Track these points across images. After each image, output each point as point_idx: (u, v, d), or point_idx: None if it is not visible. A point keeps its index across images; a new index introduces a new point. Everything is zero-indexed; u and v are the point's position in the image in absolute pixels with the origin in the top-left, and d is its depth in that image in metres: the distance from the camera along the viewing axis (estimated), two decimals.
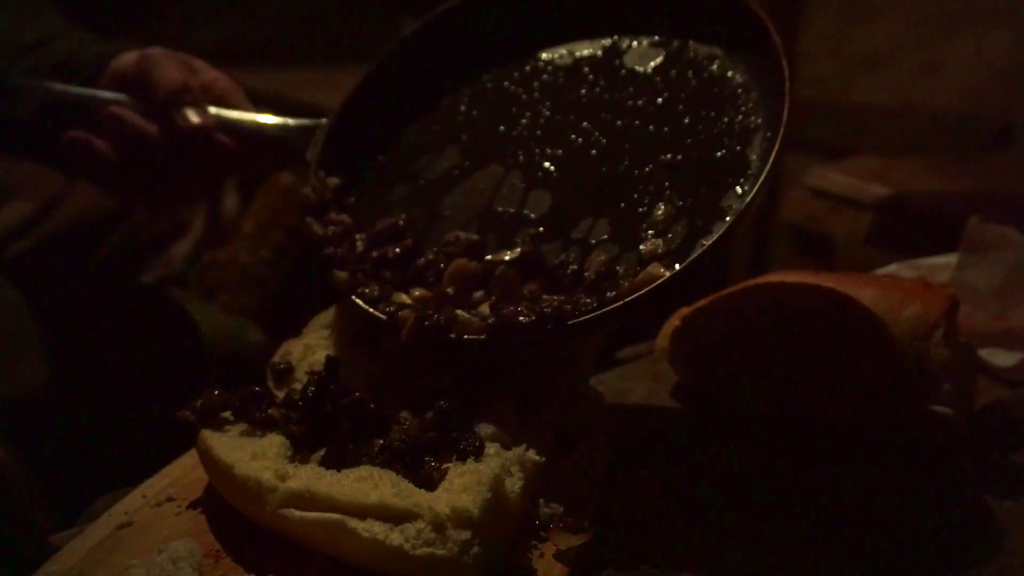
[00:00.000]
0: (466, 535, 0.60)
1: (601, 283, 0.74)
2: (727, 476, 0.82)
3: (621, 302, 0.71)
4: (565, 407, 0.78)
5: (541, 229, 0.82)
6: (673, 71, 0.85)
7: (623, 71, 0.87)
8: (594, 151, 0.84)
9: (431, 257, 0.82)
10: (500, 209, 0.84)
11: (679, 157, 0.80)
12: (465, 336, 0.74)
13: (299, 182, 1.57)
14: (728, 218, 0.73)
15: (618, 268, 0.76)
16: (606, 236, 0.79)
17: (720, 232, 0.72)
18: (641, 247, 0.76)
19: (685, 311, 0.96)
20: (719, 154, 0.78)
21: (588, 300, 0.73)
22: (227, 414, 0.73)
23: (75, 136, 0.93)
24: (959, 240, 1.10)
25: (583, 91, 0.88)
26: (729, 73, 0.82)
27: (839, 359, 0.86)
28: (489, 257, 0.80)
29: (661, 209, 0.77)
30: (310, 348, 0.85)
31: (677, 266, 0.72)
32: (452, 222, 0.85)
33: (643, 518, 0.74)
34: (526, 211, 0.83)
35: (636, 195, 0.80)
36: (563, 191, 0.83)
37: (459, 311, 0.75)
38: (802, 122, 2.44)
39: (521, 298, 0.76)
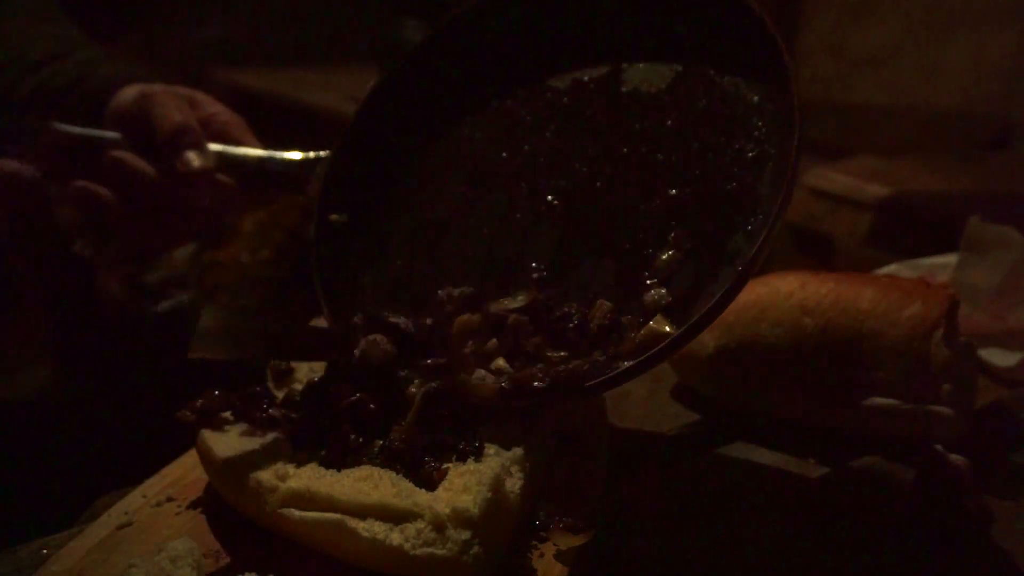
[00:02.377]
0: (466, 535, 0.60)
1: (606, 336, 0.72)
2: (727, 477, 0.82)
3: (632, 363, 0.69)
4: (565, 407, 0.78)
5: (544, 273, 0.79)
6: (683, 89, 0.80)
7: (630, 91, 0.83)
8: (599, 182, 0.81)
9: (429, 322, 0.79)
10: (503, 249, 0.82)
11: (687, 192, 0.76)
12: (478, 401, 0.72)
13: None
14: (739, 266, 0.69)
15: (623, 319, 0.73)
16: (610, 281, 0.76)
17: (727, 285, 0.68)
18: (645, 297, 0.73)
19: None
20: (729, 187, 0.74)
21: (600, 360, 0.71)
22: (227, 414, 0.73)
23: (80, 187, 0.92)
24: (959, 240, 1.10)
25: (588, 113, 0.84)
26: (742, 92, 0.77)
27: (837, 358, 0.86)
28: (494, 307, 0.78)
29: (666, 254, 0.74)
30: None
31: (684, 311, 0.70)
32: (455, 263, 0.83)
33: (643, 518, 0.74)
34: (530, 251, 0.81)
35: (641, 234, 0.77)
36: (567, 228, 0.80)
37: (475, 372, 0.73)
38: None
39: (529, 356, 0.74)
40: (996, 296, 1.06)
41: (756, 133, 0.75)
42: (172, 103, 0.95)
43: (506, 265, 0.82)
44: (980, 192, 1.86)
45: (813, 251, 2.08)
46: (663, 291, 0.73)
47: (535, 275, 0.80)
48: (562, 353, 0.74)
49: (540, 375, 0.71)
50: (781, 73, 0.72)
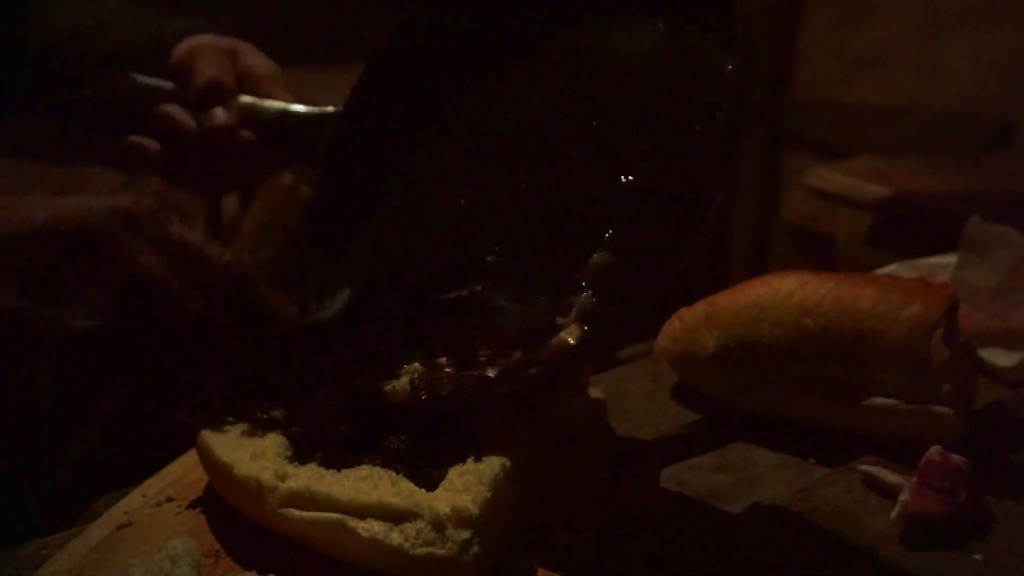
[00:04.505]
0: (466, 535, 0.60)
1: (540, 336, 0.70)
2: (727, 476, 0.82)
3: (536, 371, 0.68)
4: (565, 407, 0.78)
5: (499, 258, 0.77)
6: (658, 54, 0.73)
7: (605, 55, 0.77)
8: (563, 161, 0.76)
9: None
10: (470, 227, 0.80)
11: (639, 182, 0.71)
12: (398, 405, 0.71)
13: (299, 181, 1.57)
14: (668, 274, 0.64)
15: (559, 320, 0.70)
16: (552, 275, 0.73)
17: (650, 297, 0.65)
18: (574, 299, 0.70)
19: (685, 311, 0.96)
20: (683, 181, 0.68)
21: (513, 364, 0.69)
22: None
23: (131, 141, 0.96)
24: (959, 240, 1.10)
25: (567, 79, 0.79)
26: (719, 64, 0.68)
27: (837, 358, 0.86)
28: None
29: (599, 254, 0.71)
30: None
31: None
32: (427, 240, 0.82)
33: (643, 518, 0.74)
34: (494, 231, 0.78)
35: (588, 226, 0.72)
36: (531, 210, 0.77)
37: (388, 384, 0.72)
38: (802, 122, 2.46)
39: (470, 357, 0.72)
40: (996, 296, 1.06)
41: (723, 121, 0.67)
42: (212, 57, 0.98)
43: (469, 245, 0.79)
44: (980, 192, 1.87)
45: (813, 251, 2.08)
46: (589, 294, 0.70)
47: (490, 259, 0.78)
48: (484, 354, 0.72)
49: (446, 381, 0.70)
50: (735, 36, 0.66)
